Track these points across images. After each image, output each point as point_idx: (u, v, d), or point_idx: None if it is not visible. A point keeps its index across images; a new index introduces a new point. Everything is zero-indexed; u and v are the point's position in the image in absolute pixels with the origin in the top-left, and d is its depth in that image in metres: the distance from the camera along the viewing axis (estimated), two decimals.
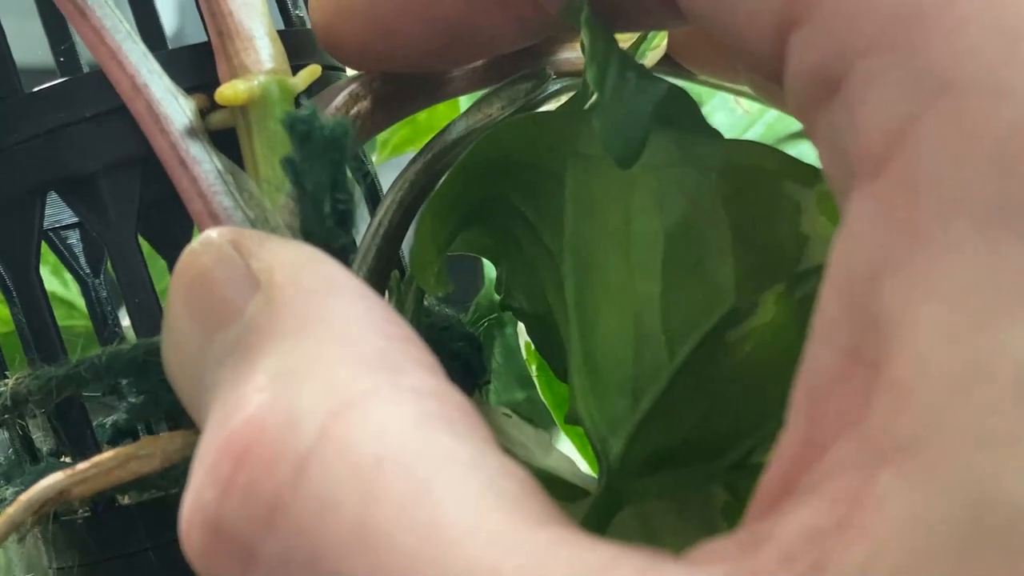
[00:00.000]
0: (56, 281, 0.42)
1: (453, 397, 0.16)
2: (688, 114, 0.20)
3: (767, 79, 0.18)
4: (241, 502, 0.15)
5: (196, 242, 0.19)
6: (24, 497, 0.20)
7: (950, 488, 0.13)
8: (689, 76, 0.29)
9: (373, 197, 0.25)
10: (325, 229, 0.19)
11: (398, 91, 0.24)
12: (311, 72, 0.22)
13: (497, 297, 0.35)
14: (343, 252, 0.20)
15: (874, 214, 0.15)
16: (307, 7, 0.26)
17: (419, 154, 0.23)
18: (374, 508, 0.15)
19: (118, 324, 0.29)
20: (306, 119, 0.19)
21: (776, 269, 0.21)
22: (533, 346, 0.33)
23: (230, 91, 0.21)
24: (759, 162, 0.21)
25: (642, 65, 0.20)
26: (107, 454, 0.21)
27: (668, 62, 0.28)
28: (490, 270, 0.35)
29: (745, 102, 0.36)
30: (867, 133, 0.15)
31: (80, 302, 0.42)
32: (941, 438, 0.13)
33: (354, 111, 0.22)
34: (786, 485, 0.15)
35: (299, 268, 0.18)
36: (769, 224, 0.21)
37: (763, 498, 0.15)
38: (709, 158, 0.20)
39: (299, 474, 0.15)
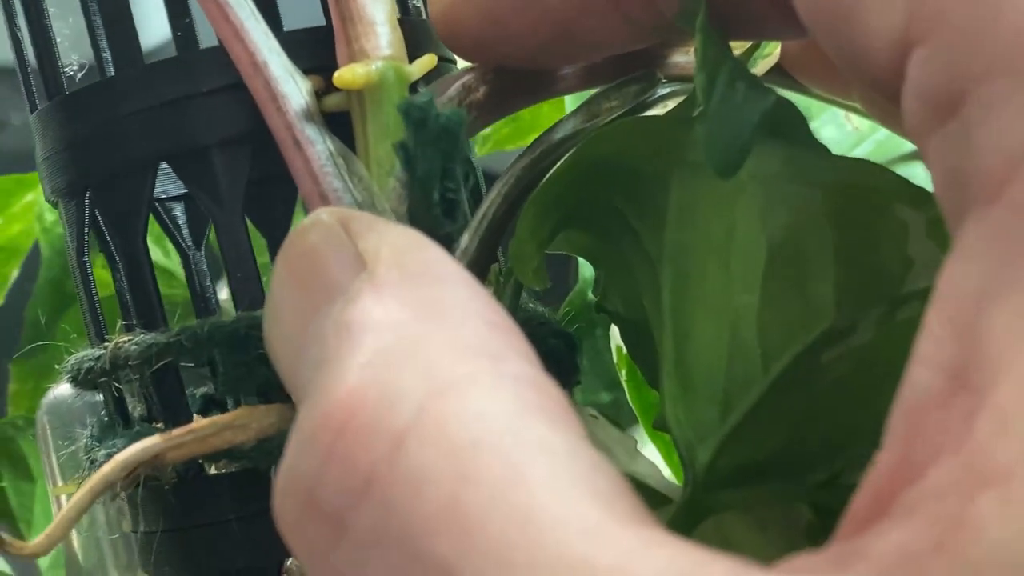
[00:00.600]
0: (158, 250, 0.43)
1: (551, 388, 0.17)
2: (796, 128, 0.20)
3: (883, 97, 0.18)
4: (337, 472, 0.16)
5: (306, 220, 0.19)
6: (120, 456, 0.21)
7: None
8: (800, 88, 0.29)
9: (475, 190, 0.25)
10: (432, 216, 0.20)
11: (510, 85, 0.24)
12: (427, 61, 0.23)
13: (591, 297, 0.35)
14: (447, 240, 0.20)
15: (988, 237, 0.15)
16: None
17: (527, 150, 0.24)
18: (467, 489, 0.15)
19: (216, 297, 0.29)
20: (422, 106, 0.19)
21: (878, 291, 0.20)
22: (625, 350, 0.33)
23: (349, 75, 0.21)
24: (868, 181, 0.20)
25: (753, 75, 0.20)
26: (203, 422, 0.21)
27: (780, 73, 0.28)
28: (585, 269, 0.35)
29: (856, 118, 0.36)
30: (986, 157, 0.15)
31: (180, 272, 0.43)
32: None
33: (467, 101, 0.23)
34: (880, 504, 0.15)
35: (405, 252, 0.18)
36: (874, 245, 0.20)
37: (856, 515, 0.15)
38: (818, 173, 0.20)
39: (396, 449, 0.15)
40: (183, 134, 0.23)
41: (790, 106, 0.20)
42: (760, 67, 0.27)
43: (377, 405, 0.16)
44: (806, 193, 0.20)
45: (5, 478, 0.42)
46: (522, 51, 0.22)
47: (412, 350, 0.16)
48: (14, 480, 0.42)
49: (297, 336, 0.19)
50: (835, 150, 0.38)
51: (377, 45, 0.22)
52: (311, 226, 0.19)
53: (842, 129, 0.36)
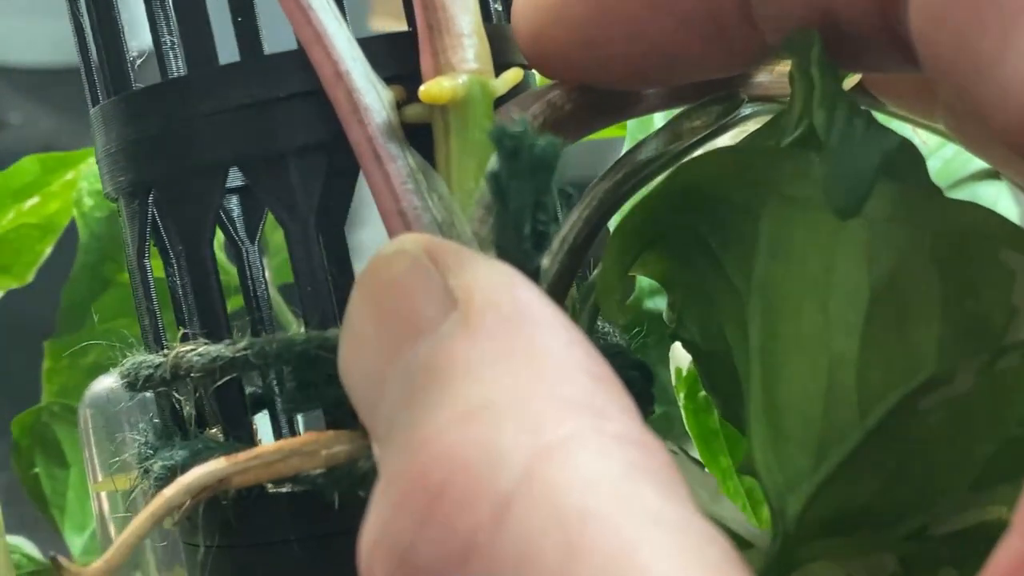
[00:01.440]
0: None
1: (656, 448, 0.16)
2: (913, 168, 0.19)
3: (1013, 152, 0.17)
4: (435, 538, 0.15)
5: (389, 248, 0.19)
6: (185, 480, 0.20)
7: None
8: (876, 105, 0.28)
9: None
10: (522, 250, 0.19)
11: (594, 103, 0.23)
12: (513, 75, 0.22)
13: (647, 307, 0.34)
14: (536, 273, 0.19)
15: None
16: (503, 1, 0.25)
17: (608, 172, 0.23)
18: (576, 564, 0.14)
19: (268, 291, 0.29)
20: (516, 135, 0.18)
21: (980, 340, 0.20)
22: (685, 372, 0.32)
23: (436, 89, 0.20)
24: (977, 225, 0.20)
25: (869, 113, 0.19)
26: (270, 446, 0.20)
27: (857, 88, 0.27)
28: (641, 279, 0.34)
29: (924, 133, 0.34)
30: None
31: (220, 255, 0.42)
32: None
33: (552, 120, 0.22)
34: None
35: (499, 292, 0.17)
36: (979, 291, 0.20)
37: None
38: (926, 216, 0.19)
39: (500, 516, 0.14)
40: (258, 139, 0.22)
41: (909, 146, 0.19)
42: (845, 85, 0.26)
43: (478, 466, 0.15)
44: (913, 235, 0.19)
45: (39, 464, 0.42)
46: (614, 75, 0.21)
47: (511, 406, 0.15)
48: (48, 466, 0.42)
49: (377, 371, 0.18)
50: None
51: (464, 58, 0.21)
52: (395, 255, 0.18)
53: None
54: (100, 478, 0.35)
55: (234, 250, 0.29)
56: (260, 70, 0.22)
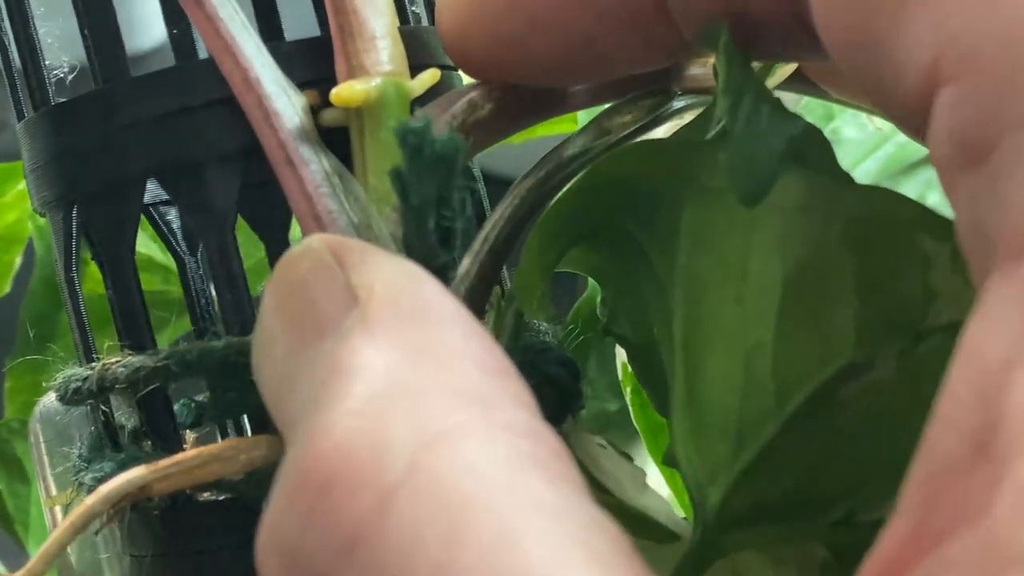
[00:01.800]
0: (155, 247, 0.42)
1: (547, 438, 0.16)
2: (821, 155, 0.19)
3: (908, 129, 0.17)
4: (321, 532, 0.15)
5: (296, 249, 0.19)
6: (104, 489, 0.20)
7: None
8: (821, 94, 0.28)
9: (479, 213, 0.24)
10: (427, 246, 0.19)
11: (517, 103, 0.23)
12: (430, 76, 0.22)
13: (598, 306, 0.34)
14: (443, 270, 0.19)
15: (1014, 299, 0.14)
16: (425, 5, 0.25)
17: (532, 169, 0.23)
18: (458, 551, 0.14)
19: (211, 303, 0.28)
20: (418, 132, 0.18)
21: (899, 325, 0.19)
22: (630, 368, 0.32)
23: (347, 92, 0.20)
24: (890, 211, 0.19)
25: (777, 99, 0.19)
26: (190, 453, 0.20)
27: (800, 78, 0.27)
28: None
29: (878, 119, 0.35)
30: (1015, 212, 0.14)
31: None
32: None
33: (472, 120, 0.22)
34: (894, 572, 0.14)
35: (399, 288, 0.17)
36: (896, 277, 0.19)
37: None
38: (838, 204, 0.19)
39: (384, 508, 0.14)
40: (174, 149, 0.22)
41: (816, 132, 0.19)
42: (779, 74, 0.26)
43: (364, 459, 0.15)
44: (825, 224, 0.19)
45: (1, 481, 0.42)
46: (536, 72, 0.21)
47: (401, 398, 0.16)
48: (10, 483, 0.42)
49: (286, 371, 0.18)
50: (858, 151, 0.37)
51: (377, 60, 0.21)
52: (300, 255, 0.18)
53: (864, 130, 0.35)
54: (54, 492, 0.35)
55: (177, 263, 0.29)
56: (175, 80, 0.22)
